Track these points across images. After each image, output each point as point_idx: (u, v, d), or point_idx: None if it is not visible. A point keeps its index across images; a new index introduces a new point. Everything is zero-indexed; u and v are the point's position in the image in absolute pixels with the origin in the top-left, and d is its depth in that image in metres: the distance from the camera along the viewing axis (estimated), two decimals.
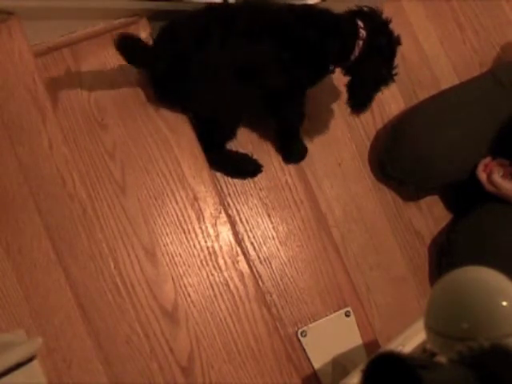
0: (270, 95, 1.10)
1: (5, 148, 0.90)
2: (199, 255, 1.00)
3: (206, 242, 1.01)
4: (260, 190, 1.20)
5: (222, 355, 0.96)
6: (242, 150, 1.19)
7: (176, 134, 1.04)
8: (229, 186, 1.18)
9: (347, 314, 1.14)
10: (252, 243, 1.17)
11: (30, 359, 0.80)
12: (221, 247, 1.01)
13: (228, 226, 1.02)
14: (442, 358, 0.55)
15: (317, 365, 1.11)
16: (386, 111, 1.45)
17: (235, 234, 1.03)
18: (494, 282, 0.55)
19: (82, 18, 1.03)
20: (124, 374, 0.91)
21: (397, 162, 1.32)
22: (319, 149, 1.39)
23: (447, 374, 0.45)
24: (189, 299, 0.97)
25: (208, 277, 0.99)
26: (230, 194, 1.18)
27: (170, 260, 0.98)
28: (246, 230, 1.17)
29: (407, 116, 1.36)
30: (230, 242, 1.02)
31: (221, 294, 0.99)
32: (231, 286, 1.00)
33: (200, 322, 0.97)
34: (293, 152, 1.26)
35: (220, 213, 1.02)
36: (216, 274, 1.00)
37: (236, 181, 1.19)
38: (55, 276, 0.88)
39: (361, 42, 1.04)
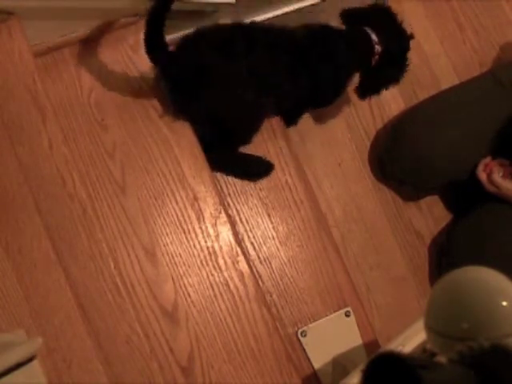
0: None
1: (5, 148, 0.90)
2: (199, 255, 1.00)
3: (206, 241, 1.01)
4: (260, 190, 1.20)
5: (222, 355, 0.96)
6: (241, 150, 1.19)
7: (176, 134, 1.04)
8: (229, 186, 1.18)
9: (347, 314, 1.14)
10: (252, 243, 1.17)
11: (30, 359, 0.80)
12: (221, 247, 1.01)
13: (228, 226, 1.02)
14: (442, 358, 0.55)
15: (317, 365, 1.11)
16: (386, 111, 1.45)
17: (235, 234, 1.03)
18: (494, 282, 0.55)
19: (82, 18, 1.03)
20: (124, 373, 0.91)
21: (397, 162, 1.32)
22: (319, 149, 1.39)
23: (447, 374, 0.45)
24: (189, 299, 0.97)
25: (208, 277, 0.99)
26: (229, 194, 1.18)
27: (170, 260, 0.98)
28: (245, 230, 1.17)
29: (407, 116, 1.36)
30: (230, 242, 1.02)
31: (221, 294, 0.99)
32: (231, 286, 1.00)
33: (200, 322, 0.97)
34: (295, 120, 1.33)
35: (220, 213, 1.02)
36: (216, 274, 1.00)
37: (236, 181, 1.19)
38: (55, 276, 0.87)
39: (377, 57, 1.09)
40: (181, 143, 1.04)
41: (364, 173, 1.42)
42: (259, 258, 1.16)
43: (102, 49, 1.07)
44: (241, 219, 1.18)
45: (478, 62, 1.51)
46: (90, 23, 1.05)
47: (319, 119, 1.38)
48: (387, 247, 1.40)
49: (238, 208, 1.18)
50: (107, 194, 0.98)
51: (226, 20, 1.21)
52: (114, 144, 1.02)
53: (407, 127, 1.32)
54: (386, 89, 1.17)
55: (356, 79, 1.17)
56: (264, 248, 1.17)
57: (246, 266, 1.01)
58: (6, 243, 0.87)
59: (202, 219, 1.01)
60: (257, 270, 1.15)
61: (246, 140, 1.13)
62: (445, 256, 1.33)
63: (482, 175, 1.23)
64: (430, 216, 1.44)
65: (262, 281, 1.15)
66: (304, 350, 1.12)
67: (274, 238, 1.18)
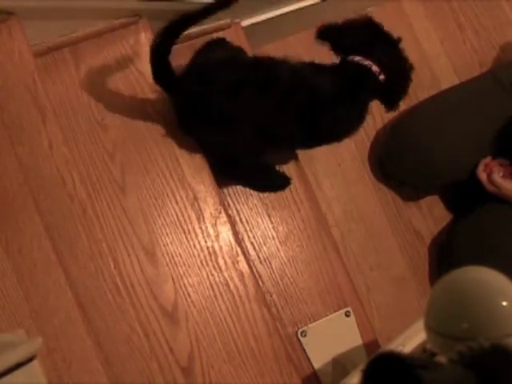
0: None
1: (5, 148, 0.90)
2: (199, 255, 1.00)
3: (206, 241, 1.01)
4: None
5: (222, 355, 0.96)
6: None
7: (176, 134, 1.04)
8: (229, 186, 1.18)
9: (347, 314, 1.14)
10: (252, 243, 1.17)
11: (30, 359, 0.80)
12: (221, 247, 1.01)
13: (228, 225, 1.02)
14: (442, 358, 0.55)
15: (317, 365, 1.11)
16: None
17: (235, 234, 1.03)
18: (494, 282, 0.55)
19: (82, 18, 1.03)
20: (124, 373, 0.91)
21: (397, 162, 1.32)
22: (319, 149, 1.39)
23: (447, 374, 0.45)
24: (189, 299, 0.97)
25: (208, 277, 0.99)
26: (229, 194, 1.18)
27: (170, 260, 0.98)
28: (245, 230, 1.17)
29: (407, 116, 1.36)
30: (230, 242, 1.02)
31: (221, 294, 0.99)
32: (231, 285, 1.00)
33: (200, 321, 0.97)
34: None
35: (220, 213, 1.02)
36: (216, 274, 1.00)
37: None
38: (55, 276, 0.88)
39: (382, 77, 1.02)
40: (181, 143, 1.04)
41: (364, 173, 1.42)
42: (259, 258, 1.16)
43: (102, 49, 1.07)
44: (241, 219, 1.18)
45: (478, 62, 1.51)
46: (89, 23, 1.05)
47: None
48: (387, 247, 1.40)
49: (238, 208, 1.18)
50: (107, 193, 0.98)
51: (226, 20, 1.22)
52: (114, 144, 1.02)
53: (407, 127, 1.32)
54: (406, 93, 1.09)
55: None
56: (264, 248, 1.17)
57: (246, 266, 1.01)
58: (6, 243, 0.87)
59: (202, 219, 1.01)
60: (257, 270, 1.15)
61: (254, 170, 1.13)
62: (445, 256, 1.33)
63: (482, 175, 1.23)
64: (430, 216, 1.44)
65: (262, 281, 1.15)
66: (304, 350, 1.12)
67: (273, 237, 1.18)
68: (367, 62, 1.00)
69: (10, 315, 0.85)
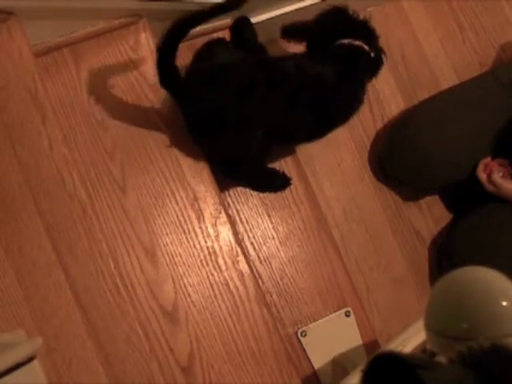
0: None
1: (5, 148, 0.90)
2: (199, 255, 1.00)
3: (205, 242, 1.01)
4: None
5: (222, 355, 0.96)
6: None
7: (176, 134, 1.04)
8: (229, 186, 1.18)
9: (347, 314, 1.14)
10: (252, 243, 1.17)
11: (30, 359, 0.80)
12: (221, 247, 1.01)
13: (228, 225, 1.02)
14: (442, 358, 0.55)
15: (317, 365, 1.11)
16: (385, 111, 1.45)
17: (235, 234, 1.03)
18: (494, 281, 0.55)
19: (82, 18, 1.03)
20: (124, 373, 0.91)
21: (397, 162, 1.32)
22: (319, 149, 1.39)
23: (447, 374, 0.45)
24: (189, 299, 0.97)
25: (208, 277, 0.99)
26: (230, 194, 1.18)
27: (170, 260, 0.98)
28: (245, 230, 1.18)
29: (407, 116, 1.36)
30: (230, 242, 1.02)
31: (221, 294, 0.99)
32: (231, 285, 1.00)
33: (200, 321, 0.97)
34: None
35: (220, 213, 1.02)
36: (216, 274, 1.00)
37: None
38: (55, 276, 0.88)
39: (373, 54, 1.07)
40: (181, 143, 1.04)
41: (364, 173, 1.42)
42: (259, 257, 1.16)
43: (102, 49, 1.07)
44: (241, 219, 1.18)
45: (478, 61, 1.51)
46: (89, 23, 1.05)
47: None
48: (387, 247, 1.40)
49: (238, 208, 1.18)
50: (107, 193, 0.98)
51: (226, 20, 1.22)
52: (114, 144, 1.02)
53: (407, 127, 1.31)
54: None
55: None
56: (264, 248, 1.17)
57: (246, 266, 1.01)
58: (6, 243, 0.87)
59: (202, 219, 1.01)
60: (257, 270, 1.15)
61: (253, 173, 1.14)
62: (445, 256, 1.33)
63: (482, 175, 1.23)
64: (430, 216, 1.44)
65: (262, 281, 1.15)
66: (304, 349, 1.12)
67: (273, 238, 1.18)
68: (357, 43, 1.04)
69: (9, 315, 0.85)
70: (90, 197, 0.94)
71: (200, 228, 1.01)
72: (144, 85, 1.06)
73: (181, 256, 0.99)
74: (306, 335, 1.12)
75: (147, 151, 1.03)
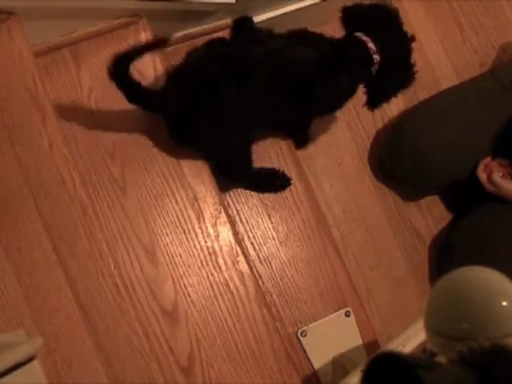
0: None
1: (5, 148, 0.90)
2: (199, 255, 1.00)
3: (205, 242, 1.01)
4: None
5: (222, 355, 0.96)
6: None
7: None
8: (229, 186, 1.18)
9: (347, 314, 1.14)
10: (252, 243, 1.17)
11: (30, 359, 0.80)
12: (221, 247, 1.01)
13: (228, 225, 1.02)
14: (442, 358, 0.55)
15: (317, 365, 1.11)
16: (385, 111, 1.45)
17: (235, 234, 1.03)
18: (494, 281, 0.55)
19: (82, 18, 1.03)
20: (124, 373, 0.91)
21: (397, 162, 1.32)
22: (319, 149, 1.39)
23: (447, 374, 0.45)
24: (189, 299, 0.97)
25: (208, 277, 0.99)
26: (230, 194, 1.18)
27: (170, 260, 0.98)
28: (245, 230, 1.17)
29: (407, 116, 1.36)
30: (230, 242, 1.02)
31: (221, 294, 0.99)
32: (231, 286, 1.00)
33: (200, 322, 0.97)
34: (303, 139, 1.32)
35: (220, 213, 1.02)
36: (216, 274, 1.00)
37: None
38: (55, 276, 0.88)
39: (376, 65, 1.03)
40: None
41: (364, 173, 1.42)
42: (259, 258, 1.16)
43: (101, 49, 1.07)
44: (241, 219, 1.18)
45: (478, 62, 1.51)
46: (89, 23, 1.05)
47: (319, 120, 1.38)
48: (387, 247, 1.40)
49: (238, 208, 1.18)
50: (107, 193, 0.98)
51: (226, 20, 1.22)
52: (114, 144, 1.02)
53: (407, 127, 1.32)
54: (395, 96, 1.10)
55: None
56: (264, 248, 1.17)
57: (246, 266, 1.01)
58: (6, 243, 0.87)
59: (202, 219, 1.01)
60: (257, 270, 1.15)
61: (246, 170, 1.10)
62: (445, 256, 1.33)
63: (482, 175, 1.23)
64: (430, 216, 1.44)
65: (262, 281, 1.15)
66: (304, 350, 1.12)
67: (273, 238, 1.18)
68: (365, 38, 1.02)
69: (9, 315, 0.85)
70: (90, 197, 0.94)
71: (200, 228, 1.01)
72: (144, 84, 1.06)
73: (181, 256, 0.99)
74: (306, 335, 1.12)
75: (147, 151, 1.03)
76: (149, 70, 1.06)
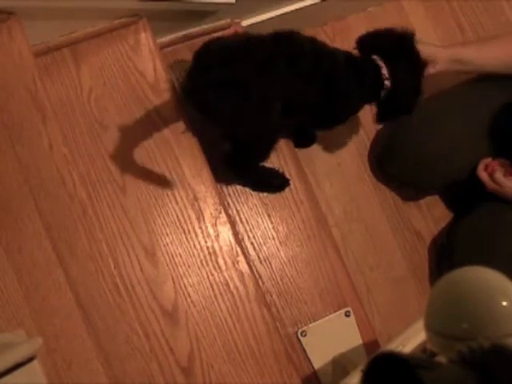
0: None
1: (5, 148, 0.90)
2: (199, 255, 1.00)
3: (206, 242, 1.01)
4: None
5: (222, 355, 0.96)
6: None
7: (176, 134, 1.04)
8: (229, 186, 1.18)
9: (347, 314, 1.14)
10: (252, 243, 1.17)
11: (30, 359, 0.80)
12: (221, 247, 1.01)
13: (228, 225, 1.02)
14: (442, 358, 0.55)
15: (317, 365, 1.11)
16: None
17: (235, 234, 1.03)
18: (494, 281, 0.55)
19: (82, 18, 1.03)
20: (124, 373, 0.91)
21: (397, 162, 1.32)
22: (319, 149, 1.39)
23: (447, 374, 0.45)
24: (189, 299, 0.97)
25: (208, 277, 0.99)
26: (229, 194, 1.18)
27: (170, 260, 0.98)
28: (245, 230, 1.17)
29: (407, 116, 1.36)
30: (230, 242, 1.02)
31: (221, 293, 0.99)
32: (231, 286, 1.00)
33: (200, 322, 0.97)
34: (306, 139, 1.33)
35: (220, 213, 1.02)
36: (216, 274, 1.00)
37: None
38: (55, 276, 0.88)
39: (386, 91, 1.06)
40: (181, 143, 1.04)
41: (364, 173, 1.42)
42: (259, 257, 1.16)
43: (101, 49, 1.07)
44: (241, 219, 1.18)
45: None
46: (89, 23, 1.05)
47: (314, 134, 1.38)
48: (387, 247, 1.40)
49: (238, 208, 1.18)
50: (107, 193, 0.98)
51: (226, 20, 1.22)
52: (114, 144, 1.02)
53: (407, 127, 1.31)
54: (398, 118, 1.16)
55: None
56: (264, 248, 1.17)
57: (246, 266, 1.01)
58: (6, 243, 0.87)
59: (202, 219, 1.01)
60: (257, 270, 1.15)
61: (265, 158, 1.11)
62: (445, 256, 1.32)
63: (483, 174, 1.23)
64: (430, 216, 1.44)
65: (262, 281, 1.15)
66: (304, 350, 1.12)
67: (273, 238, 1.18)
68: (380, 63, 1.05)
69: (9, 315, 0.85)
70: (89, 197, 0.94)
71: (200, 228, 1.01)
72: (144, 85, 1.06)
73: (181, 256, 0.99)
74: (306, 335, 1.12)
75: (147, 151, 1.03)
76: (149, 69, 1.07)
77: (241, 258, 1.01)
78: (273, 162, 1.21)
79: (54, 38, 1.04)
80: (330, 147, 1.40)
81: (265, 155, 1.09)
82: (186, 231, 1.00)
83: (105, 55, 1.07)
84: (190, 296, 0.97)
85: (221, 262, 1.00)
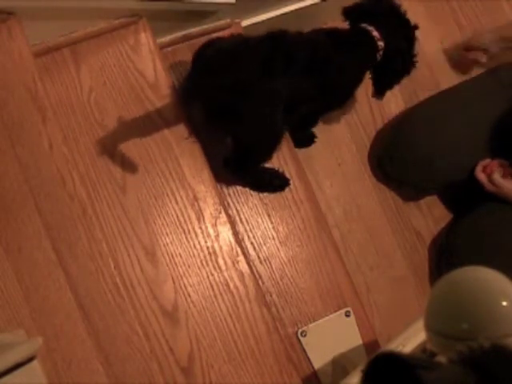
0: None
1: (5, 148, 0.90)
2: (199, 255, 1.00)
3: (206, 241, 1.01)
4: None
5: (222, 355, 0.96)
6: None
7: (176, 134, 1.04)
8: (229, 186, 1.18)
9: (347, 314, 1.14)
10: (252, 243, 1.17)
11: (30, 359, 0.80)
12: (221, 247, 1.01)
13: (228, 225, 1.02)
14: (442, 358, 0.55)
15: (317, 365, 1.11)
16: (385, 111, 1.45)
17: (235, 234, 1.03)
18: (494, 281, 0.55)
19: (82, 18, 1.03)
20: (124, 373, 0.91)
21: (397, 162, 1.33)
22: (319, 149, 1.39)
23: (447, 374, 0.45)
24: (189, 299, 0.97)
25: (208, 277, 0.99)
26: (229, 194, 1.18)
27: (170, 260, 0.98)
28: (245, 230, 1.17)
29: (407, 116, 1.36)
30: (230, 242, 1.02)
31: (221, 293, 0.99)
32: (231, 285, 1.00)
33: (200, 322, 0.97)
34: (305, 138, 1.34)
35: (220, 213, 1.02)
36: (216, 274, 1.00)
37: (236, 181, 1.19)
38: (55, 276, 0.88)
39: (381, 52, 1.09)
40: (181, 143, 1.04)
41: (364, 173, 1.42)
42: (259, 257, 1.16)
43: (101, 49, 1.07)
44: (241, 219, 1.18)
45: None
46: (89, 23, 1.05)
47: (319, 119, 1.38)
48: (387, 247, 1.40)
49: (238, 208, 1.18)
50: (107, 193, 0.98)
51: (226, 20, 1.22)
52: (114, 144, 1.02)
53: (407, 127, 1.32)
54: (398, 82, 1.17)
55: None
56: (264, 248, 1.17)
57: (246, 266, 1.01)
58: (6, 243, 0.87)
59: (202, 219, 1.01)
60: (257, 270, 1.15)
61: (267, 159, 1.11)
62: (445, 256, 1.33)
63: (481, 175, 1.23)
64: (430, 216, 1.44)
65: (262, 281, 1.15)
66: (304, 350, 1.12)
67: (273, 238, 1.18)
68: (369, 28, 1.08)
69: (10, 315, 0.85)
70: (89, 197, 0.94)
71: (200, 228, 1.01)
72: (144, 85, 1.06)
73: (181, 256, 0.99)
74: (306, 335, 1.12)
75: (147, 151, 1.03)
76: (149, 69, 1.07)
77: (241, 258, 1.01)
78: (273, 162, 1.21)
79: (54, 38, 1.04)
80: (330, 147, 1.40)
81: (267, 156, 1.09)
82: (186, 231, 1.00)
83: (105, 55, 1.07)
84: (190, 296, 0.97)
85: (221, 262, 1.00)
